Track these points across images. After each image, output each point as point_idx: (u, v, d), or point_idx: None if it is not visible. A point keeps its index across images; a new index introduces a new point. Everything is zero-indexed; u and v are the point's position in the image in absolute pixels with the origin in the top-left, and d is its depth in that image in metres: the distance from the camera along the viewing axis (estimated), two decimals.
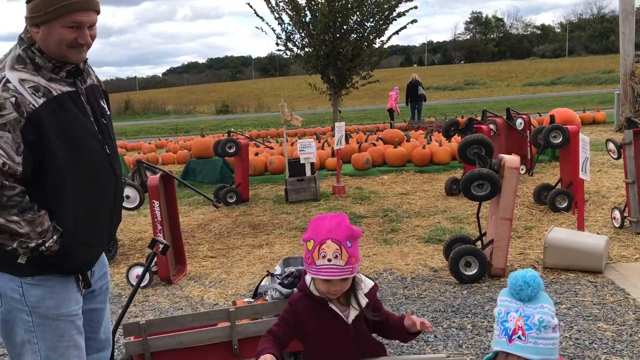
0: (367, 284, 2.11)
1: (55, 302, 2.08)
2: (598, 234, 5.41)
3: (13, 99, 1.89)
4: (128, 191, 4.97)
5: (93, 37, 2.08)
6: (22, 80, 1.95)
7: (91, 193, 2.09)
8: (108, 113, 2.25)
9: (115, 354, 3.10)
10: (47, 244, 1.98)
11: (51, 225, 2.00)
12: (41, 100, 1.95)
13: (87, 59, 2.16)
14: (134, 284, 4.10)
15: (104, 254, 2.38)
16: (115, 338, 2.98)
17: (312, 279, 2.03)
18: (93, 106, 2.15)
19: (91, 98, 2.16)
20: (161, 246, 2.91)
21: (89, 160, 2.07)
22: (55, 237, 2.00)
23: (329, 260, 1.92)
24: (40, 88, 1.97)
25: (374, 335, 2.20)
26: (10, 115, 1.88)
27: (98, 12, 2.07)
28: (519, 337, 1.61)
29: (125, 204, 4.97)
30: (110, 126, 2.24)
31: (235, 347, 2.82)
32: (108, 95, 2.35)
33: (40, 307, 2.06)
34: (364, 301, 2.05)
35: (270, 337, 2.07)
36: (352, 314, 2.06)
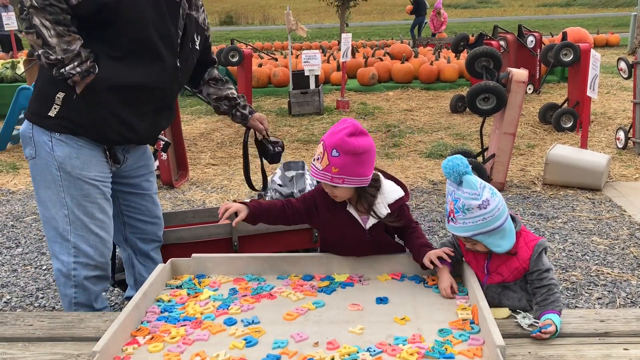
0: (392, 195, 2.06)
1: (81, 162, 2.19)
2: (600, 152, 5.40)
3: None
4: None
5: None
6: None
7: (141, 76, 2.15)
8: (196, 46, 2.38)
9: (117, 250, 3.16)
10: (67, 67, 2.02)
11: (82, 53, 2.04)
12: None
13: None
14: None
15: (148, 151, 2.55)
16: None
17: None
18: (187, 27, 2.28)
19: (188, 21, 2.29)
20: (162, 143, 2.90)
21: (152, 49, 2.15)
22: (80, 68, 2.03)
23: (314, 160, 1.98)
24: None
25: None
26: None
27: None
28: (452, 219, 1.84)
29: None
30: (191, 54, 2.36)
31: (235, 243, 2.88)
32: (209, 42, 2.54)
33: (66, 164, 2.17)
34: (384, 210, 2.04)
35: (277, 205, 2.10)
36: (371, 221, 2.07)
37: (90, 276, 2.30)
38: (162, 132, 4.96)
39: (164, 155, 5.03)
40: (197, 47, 2.41)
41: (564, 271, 3.36)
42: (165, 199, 4.94)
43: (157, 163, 5.15)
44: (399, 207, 2.08)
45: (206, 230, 2.85)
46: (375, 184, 2.04)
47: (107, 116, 2.16)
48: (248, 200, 2.10)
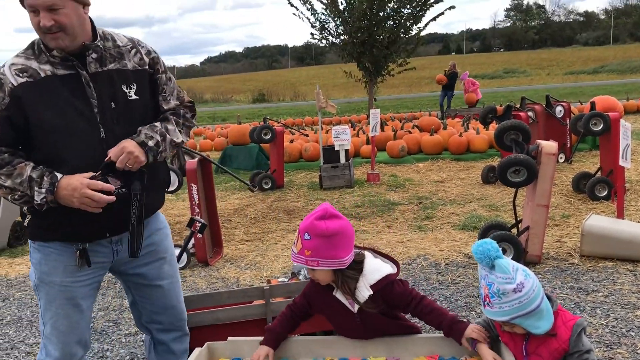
0: (373, 275, 2.06)
1: (48, 268, 2.24)
2: (638, 222, 5.29)
3: None
4: None
5: (61, 22, 2.04)
6: (12, 65, 2.10)
7: (73, 170, 2.10)
8: (130, 98, 2.20)
9: None
10: (34, 196, 2.05)
11: (33, 174, 2.05)
12: (22, 80, 2.07)
13: (111, 41, 2.20)
14: None
15: (156, 238, 2.40)
16: None
17: None
18: (102, 90, 2.15)
19: (103, 82, 2.15)
20: (199, 225, 2.98)
21: (70, 139, 2.10)
22: (43, 187, 2.04)
23: (292, 245, 2.07)
24: (29, 70, 2.09)
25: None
26: None
27: None
28: (488, 304, 1.82)
29: None
30: (123, 111, 2.18)
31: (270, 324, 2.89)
32: (155, 79, 2.30)
33: (38, 270, 2.26)
34: (366, 293, 2.04)
35: (288, 311, 2.22)
36: (356, 304, 2.08)
37: None
38: (198, 212, 5.10)
39: (199, 235, 5.13)
40: (135, 96, 2.22)
41: (608, 349, 3.24)
42: (200, 276, 4.99)
43: (192, 241, 5.25)
44: (384, 287, 2.06)
45: (241, 311, 2.88)
46: (357, 266, 2.06)
47: (65, 212, 2.11)
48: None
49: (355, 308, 2.08)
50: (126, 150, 2.08)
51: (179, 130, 2.31)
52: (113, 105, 2.16)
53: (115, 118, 2.16)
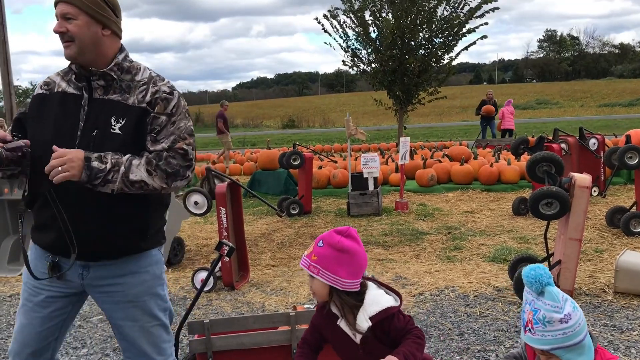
0: (373, 307, 2.03)
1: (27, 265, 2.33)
2: None
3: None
4: (197, 197, 5.14)
5: (71, 30, 2.14)
6: (46, 78, 2.33)
7: (36, 180, 2.18)
8: (113, 131, 2.17)
9: (178, 353, 3.20)
10: None
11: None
12: (40, 92, 2.30)
13: (117, 72, 2.22)
14: (199, 287, 4.23)
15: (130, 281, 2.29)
16: (179, 337, 3.08)
17: None
18: (91, 115, 2.19)
19: (97, 109, 2.19)
20: (227, 248, 3.00)
21: (43, 152, 2.13)
22: None
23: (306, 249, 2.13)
24: (50, 84, 2.29)
25: None
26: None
27: (72, 4, 2.13)
28: (529, 330, 1.77)
29: (193, 210, 5.16)
30: (100, 140, 2.16)
31: (294, 351, 2.87)
32: (148, 118, 2.20)
33: None
34: (365, 324, 2.01)
35: (306, 349, 2.20)
36: (359, 335, 2.05)
37: None
38: (226, 236, 5.13)
39: (227, 258, 5.15)
40: (118, 131, 2.16)
41: None
42: (226, 300, 5.00)
43: (220, 265, 5.27)
44: (383, 320, 2.02)
45: (266, 337, 2.87)
46: (358, 297, 2.04)
47: (45, 220, 2.22)
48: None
49: (358, 339, 2.06)
50: (64, 155, 2.04)
51: (146, 170, 2.14)
52: (94, 133, 2.17)
53: (92, 144, 2.15)
